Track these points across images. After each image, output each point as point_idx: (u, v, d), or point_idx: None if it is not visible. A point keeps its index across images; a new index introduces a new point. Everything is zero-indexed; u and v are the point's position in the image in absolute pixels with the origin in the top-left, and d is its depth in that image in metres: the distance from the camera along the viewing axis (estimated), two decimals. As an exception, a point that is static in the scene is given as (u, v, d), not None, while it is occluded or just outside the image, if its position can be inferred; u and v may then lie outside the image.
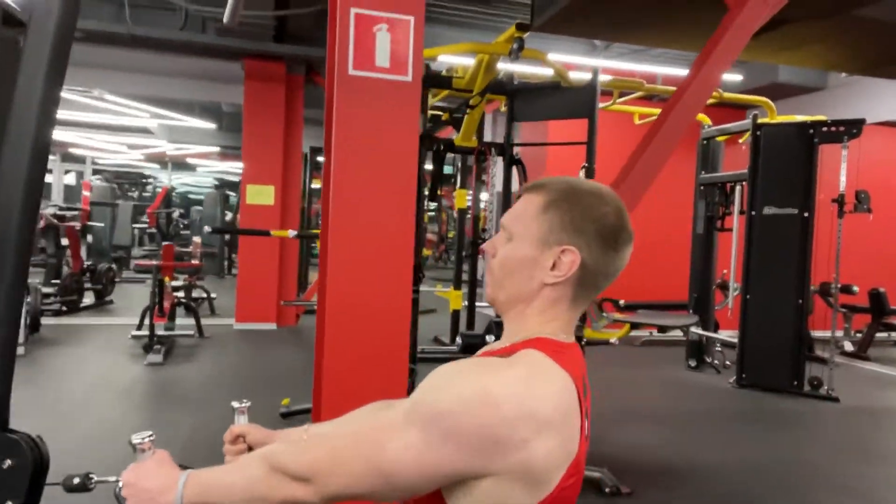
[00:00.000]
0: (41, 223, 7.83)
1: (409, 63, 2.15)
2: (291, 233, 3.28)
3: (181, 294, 7.44)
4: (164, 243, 6.62)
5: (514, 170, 4.78)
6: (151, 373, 5.41)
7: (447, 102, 6.31)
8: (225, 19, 2.44)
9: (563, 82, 4.58)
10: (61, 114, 10.23)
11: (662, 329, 4.15)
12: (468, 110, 4.53)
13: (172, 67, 8.31)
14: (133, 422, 4.18)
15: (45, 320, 6.97)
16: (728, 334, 6.56)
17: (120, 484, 0.99)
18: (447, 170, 13.67)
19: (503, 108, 5.08)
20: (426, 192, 4.37)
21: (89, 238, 10.94)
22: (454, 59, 5.53)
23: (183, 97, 9.90)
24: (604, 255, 0.93)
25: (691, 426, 4.69)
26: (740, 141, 6.63)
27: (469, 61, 4.67)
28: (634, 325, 3.97)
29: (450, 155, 5.22)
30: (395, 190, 2.16)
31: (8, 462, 1.34)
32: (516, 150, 4.88)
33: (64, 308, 7.85)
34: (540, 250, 0.93)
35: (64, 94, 6.81)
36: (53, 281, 8.36)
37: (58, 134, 14.12)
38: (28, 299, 6.08)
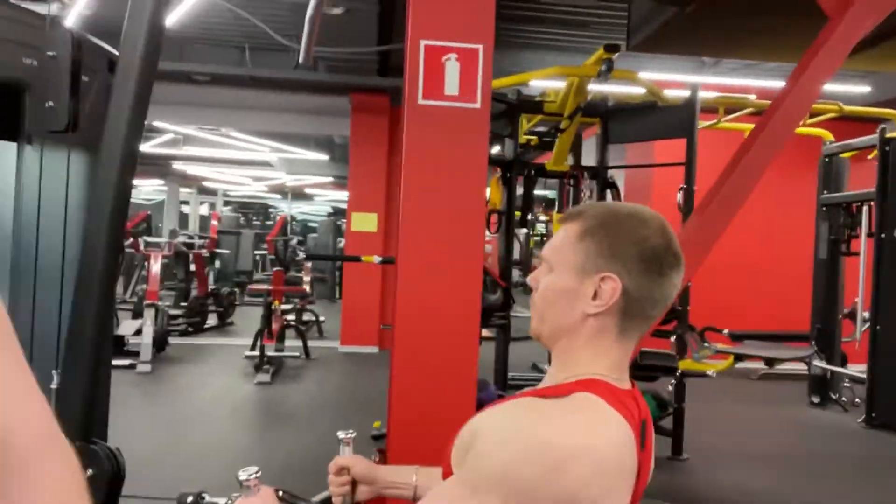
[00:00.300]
0: (170, 251, 8.56)
1: (477, 90, 2.17)
2: (377, 258, 3.37)
3: (292, 317, 7.84)
4: (275, 269, 7.02)
5: (609, 194, 4.66)
6: (260, 391, 5.72)
7: (545, 126, 6.29)
8: (300, 59, 2.57)
9: (660, 101, 4.44)
10: (195, 150, 11.17)
11: (770, 362, 3.84)
12: (559, 134, 4.48)
13: (288, 104, 8.89)
14: (239, 439, 4.42)
15: (172, 340, 7.56)
16: (857, 369, 5.95)
17: None
18: (551, 194, 13.55)
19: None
20: (516, 218, 4.35)
21: (217, 264, 11.85)
22: (547, 84, 5.51)
23: (298, 131, 10.53)
24: (648, 280, 0.88)
25: (811, 470, 4.27)
26: (869, 157, 6.08)
27: (562, 85, 4.63)
28: (739, 357, 3.71)
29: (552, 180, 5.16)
30: (463, 212, 2.17)
31: (89, 471, 1.47)
32: (610, 173, 4.76)
33: (189, 329, 8.49)
34: (579, 280, 0.89)
35: (196, 133, 7.42)
36: (181, 304, 9.07)
37: (193, 169, 15.47)
38: (157, 321, 6.63)
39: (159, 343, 6.78)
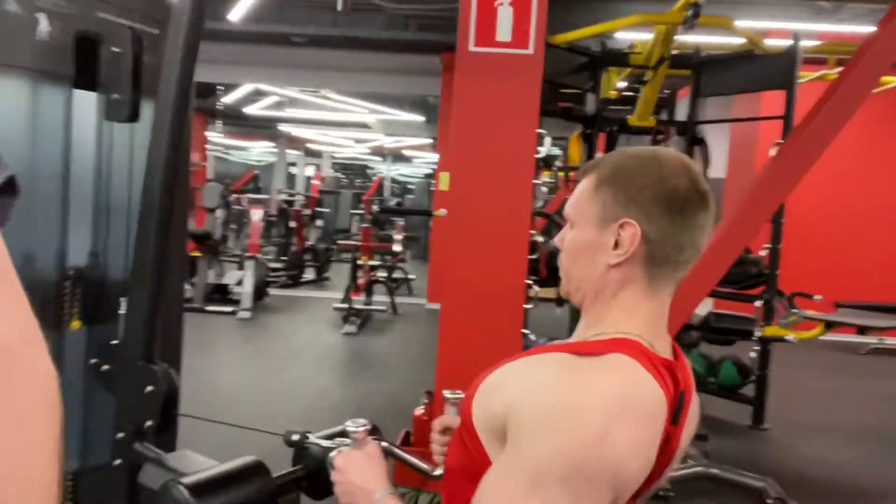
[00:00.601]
0: (273, 208, 9.03)
1: (530, 35, 2.14)
2: (442, 211, 3.41)
3: (384, 274, 8.10)
4: (363, 226, 7.26)
5: (697, 150, 4.43)
6: (346, 341, 6.00)
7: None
8: (338, 7, 2.60)
9: (757, 50, 4.14)
10: (299, 112, 11.61)
11: (862, 330, 3.56)
12: (643, 87, 4.30)
13: (382, 64, 9.02)
14: (324, 381, 4.69)
15: (272, 291, 8.04)
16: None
17: (332, 456, 1.05)
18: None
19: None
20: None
21: (319, 222, 12.40)
22: (635, 36, 5.26)
23: (392, 92, 10.68)
24: (669, 222, 0.83)
25: (908, 448, 3.97)
26: None
27: (650, 36, 4.41)
28: (830, 325, 3.47)
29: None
30: (513, 160, 2.16)
31: (148, 388, 1.64)
32: (702, 128, 4.52)
33: (288, 281, 8.99)
34: (599, 231, 0.86)
35: (298, 95, 7.74)
36: (282, 258, 9.60)
37: (298, 131, 16.14)
38: (256, 272, 7.07)
39: (259, 293, 7.23)
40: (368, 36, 7.80)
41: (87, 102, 1.83)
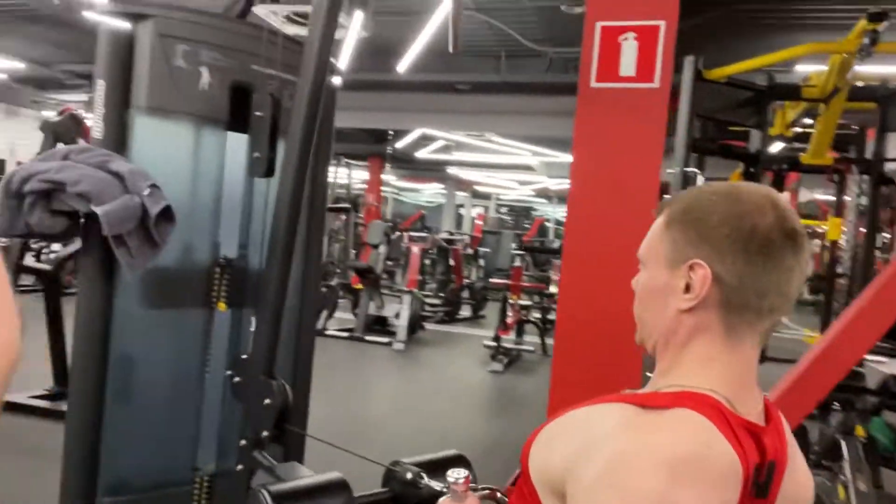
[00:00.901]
0: (430, 245, 9.40)
1: (656, 69, 2.07)
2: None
3: (537, 314, 8.03)
4: (513, 266, 7.29)
5: (884, 191, 3.93)
6: (492, 379, 6.02)
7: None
8: (450, 48, 2.67)
9: (959, 78, 3.61)
10: (466, 156, 12.04)
11: None
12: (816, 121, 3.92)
13: (542, 107, 9.13)
14: (462, 416, 4.74)
15: (428, 325, 8.32)
16: None
17: None
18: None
19: None
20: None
21: (481, 262, 12.69)
22: (809, 68, 4.82)
23: (553, 134, 10.73)
24: (746, 263, 0.75)
25: None
26: None
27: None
28: None
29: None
30: (633, 197, 2.08)
31: (267, 400, 1.79)
32: (891, 166, 4.00)
33: (445, 317, 9.24)
34: (670, 273, 0.80)
35: (463, 139, 8.12)
36: (440, 294, 9.91)
37: (466, 174, 16.77)
38: (412, 306, 7.37)
39: (414, 326, 7.51)
40: (528, 80, 7.96)
41: (239, 143, 2.09)
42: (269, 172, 1.97)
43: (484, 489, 1.00)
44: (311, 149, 1.78)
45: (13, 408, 4.01)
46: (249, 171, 2.03)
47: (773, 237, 0.75)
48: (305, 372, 2.41)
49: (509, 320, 6.45)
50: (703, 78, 3.66)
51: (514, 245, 9.45)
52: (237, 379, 1.89)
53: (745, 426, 0.74)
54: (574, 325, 2.14)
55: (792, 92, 4.18)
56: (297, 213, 1.81)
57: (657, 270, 0.82)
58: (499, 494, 1.00)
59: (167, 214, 1.87)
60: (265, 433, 1.78)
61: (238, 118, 2.08)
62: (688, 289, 0.78)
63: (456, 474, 0.96)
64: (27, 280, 5.15)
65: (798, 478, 0.82)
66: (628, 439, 0.72)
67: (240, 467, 1.79)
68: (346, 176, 11.15)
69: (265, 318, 1.82)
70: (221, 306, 2.13)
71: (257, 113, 1.98)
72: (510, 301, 6.49)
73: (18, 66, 8.72)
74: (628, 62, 2.08)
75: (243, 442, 1.79)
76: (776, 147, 4.83)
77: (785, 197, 0.80)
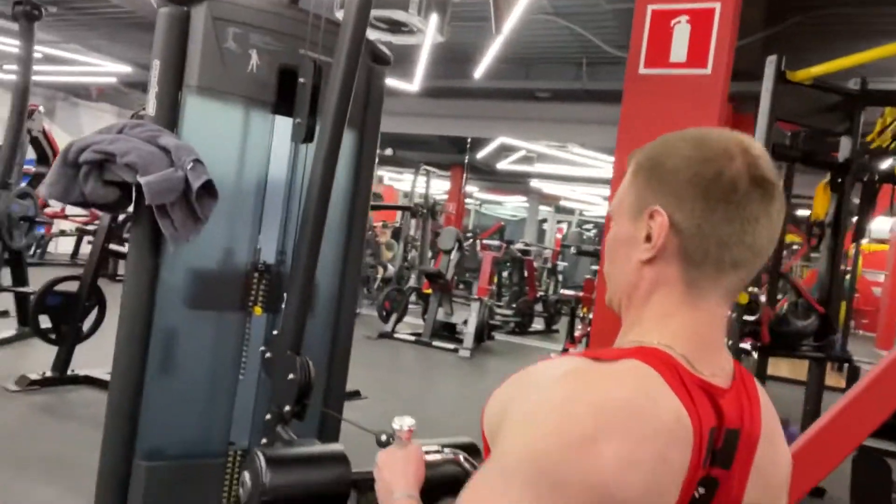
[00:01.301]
0: (501, 253, 9.32)
1: (709, 54, 1.95)
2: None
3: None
4: (585, 278, 7.10)
5: None
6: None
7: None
8: (494, 30, 2.62)
9: None
10: (547, 167, 11.93)
11: None
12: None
13: (625, 118, 8.91)
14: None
15: (497, 336, 8.22)
16: None
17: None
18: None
19: None
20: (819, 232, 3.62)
21: (559, 276, 12.52)
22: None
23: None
24: (706, 210, 0.68)
25: None
26: None
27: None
28: None
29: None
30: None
31: (290, 375, 1.81)
32: None
33: (516, 329, 9.12)
34: (633, 224, 0.74)
35: (545, 150, 8.10)
36: (512, 305, 9.80)
37: (549, 188, 16.61)
38: (481, 314, 7.32)
39: (481, 334, 7.45)
40: (611, 88, 7.77)
41: (285, 127, 2.14)
42: (308, 138, 2.00)
43: (450, 452, 0.97)
44: (345, 123, 1.79)
45: (96, 383, 4.29)
46: (292, 137, 2.06)
47: (739, 184, 0.68)
48: (343, 355, 2.42)
49: (577, 333, 6.28)
50: (786, 80, 3.44)
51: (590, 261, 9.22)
52: (268, 354, 1.92)
53: (700, 385, 0.67)
54: (607, 332, 2.04)
55: (887, 97, 3.87)
56: (328, 190, 1.82)
57: (622, 222, 0.76)
58: (461, 458, 0.96)
59: (210, 190, 1.94)
60: (287, 408, 1.81)
61: (285, 101, 2.14)
62: (648, 239, 0.72)
63: (401, 422, 0.96)
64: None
65: (776, 458, 0.74)
66: (566, 383, 0.66)
67: (264, 441, 1.82)
68: (424, 184, 11.27)
69: (294, 293, 1.85)
70: (257, 311, 2.17)
71: (301, 80, 2.01)
72: (579, 314, 6.32)
73: (127, 70, 9.39)
74: (679, 47, 1.98)
75: (268, 416, 1.82)
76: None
77: (759, 145, 0.72)
